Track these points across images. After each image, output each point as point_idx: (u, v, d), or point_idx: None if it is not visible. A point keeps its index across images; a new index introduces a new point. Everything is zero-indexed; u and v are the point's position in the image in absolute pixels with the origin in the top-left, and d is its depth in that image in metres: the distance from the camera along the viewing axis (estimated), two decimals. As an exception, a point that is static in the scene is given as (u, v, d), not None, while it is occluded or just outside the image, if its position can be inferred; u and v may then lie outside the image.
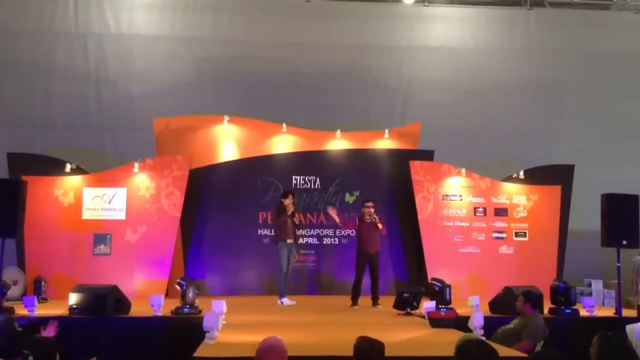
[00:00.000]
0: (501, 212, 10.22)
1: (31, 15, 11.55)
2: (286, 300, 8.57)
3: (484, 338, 3.86)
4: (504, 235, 10.16)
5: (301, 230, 10.08)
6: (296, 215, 8.78)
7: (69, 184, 9.58)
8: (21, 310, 6.83)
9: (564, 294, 7.60)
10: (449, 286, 7.19)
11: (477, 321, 5.55)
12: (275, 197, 9.78)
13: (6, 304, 7.14)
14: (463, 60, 12.10)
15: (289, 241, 8.71)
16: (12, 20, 11.42)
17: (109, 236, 9.47)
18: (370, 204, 8.78)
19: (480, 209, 10.20)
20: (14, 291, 8.38)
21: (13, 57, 11.32)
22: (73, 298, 6.81)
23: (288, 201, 8.76)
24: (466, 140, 11.43)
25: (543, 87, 12.09)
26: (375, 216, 8.69)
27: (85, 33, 11.75)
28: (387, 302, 8.29)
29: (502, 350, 5.03)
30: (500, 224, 10.19)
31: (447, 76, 11.99)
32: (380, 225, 8.65)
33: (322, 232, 10.46)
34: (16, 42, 11.35)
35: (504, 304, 7.36)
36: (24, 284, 8.78)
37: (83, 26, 11.77)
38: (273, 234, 9.32)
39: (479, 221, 10.16)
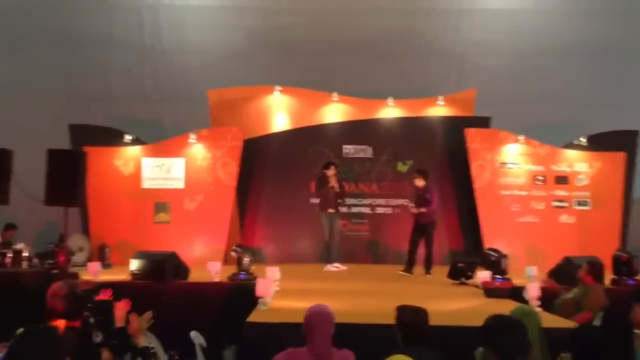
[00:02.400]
0: (562, 180, 9.90)
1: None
2: (331, 267, 8.69)
3: (539, 309, 3.76)
4: (565, 204, 9.85)
5: (353, 200, 10.13)
6: (335, 187, 8.78)
7: (129, 154, 9.88)
8: (85, 276, 7.14)
9: (626, 264, 7.31)
10: (504, 256, 7.04)
11: (532, 291, 5.43)
12: (326, 167, 9.79)
13: (71, 269, 7.46)
14: (522, 23, 11.61)
15: (329, 211, 8.85)
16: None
17: (168, 205, 9.73)
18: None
19: (540, 177, 9.90)
20: (79, 257, 8.74)
21: (72, 31, 11.59)
22: (134, 264, 7.06)
23: (330, 172, 8.83)
24: (524, 106, 11.02)
25: (606, 49, 11.46)
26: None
27: (140, 5, 11.93)
28: (441, 272, 8.22)
29: (558, 321, 4.94)
30: (560, 192, 9.88)
31: (505, 39, 11.55)
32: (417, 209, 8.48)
33: (374, 201, 10.42)
34: (75, 16, 11.62)
35: (563, 275, 7.14)
36: (89, 251, 9.17)
37: (138, -2, 11.95)
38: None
39: (538, 190, 9.88)
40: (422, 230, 8.57)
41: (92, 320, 3.71)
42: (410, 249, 8.63)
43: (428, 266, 8.51)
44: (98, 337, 3.70)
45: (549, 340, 3.61)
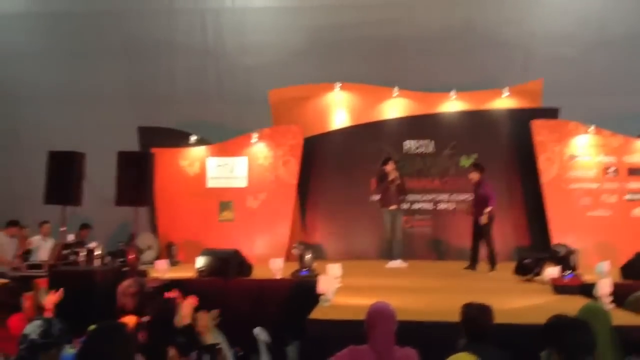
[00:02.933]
0: (636, 171, 9.44)
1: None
2: (392, 263, 8.65)
3: (610, 306, 3.60)
4: (639, 196, 9.37)
5: (415, 195, 10.01)
6: (395, 179, 8.68)
7: (194, 155, 10.15)
8: (154, 273, 7.39)
9: None
10: (573, 251, 6.80)
11: (603, 288, 5.20)
12: (387, 163, 9.71)
13: (140, 267, 7.73)
14: (590, 10, 11.10)
15: (391, 207, 8.75)
16: (135, 2, 12.06)
17: (231, 203, 9.93)
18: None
19: (612, 169, 9.47)
20: (147, 255, 9.04)
21: (137, 37, 12.01)
22: (200, 261, 7.24)
23: (389, 167, 8.76)
24: (594, 96, 10.55)
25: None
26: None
27: (202, 9, 12.20)
28: (507, 268, 8.00)
29: (631, 319, 4.71)
30: (634, 184, 9.43)
31: (573, 28, 11.07)
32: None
33: (437, 197, 10.26)
34: (139, 22, 12.02)
35: (636, 270, 6.82)
36: (157, 249, 9.46)
37: (201, 2, 12.22)
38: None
39: (609, 182, 9.47)
40: (478, 226, 8.37)
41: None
42: (472, 245, 8.48)
43: (492, 262, 8.30)
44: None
45: (622, 338, 3.45)
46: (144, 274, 7.28)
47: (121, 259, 7.75)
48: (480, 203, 8.32)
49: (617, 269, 7.18)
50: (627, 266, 7.14)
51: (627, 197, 9.40)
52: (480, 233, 8.35)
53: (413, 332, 3.73)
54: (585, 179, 9.53)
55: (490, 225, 8.30)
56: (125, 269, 7.28)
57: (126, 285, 3.88)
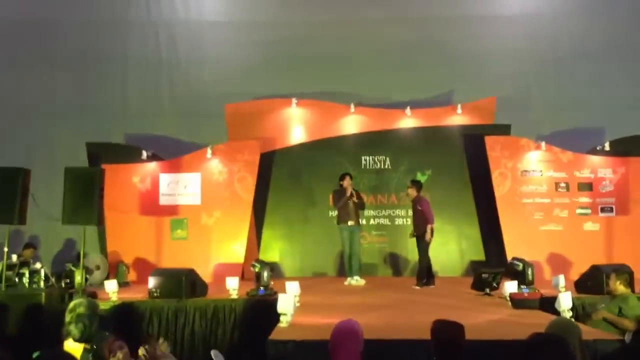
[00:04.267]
0: (585, 186, 9.67)
1: (105, 6, 11.85)
2: (352, 280, 8.57)
3: (569, 321, 3.58)
4: (589, 211, 9.61)
5: (371, 211, 10.01)
6: (353, 195, 8.65)
7: (146, 171, 9.84)
8: (103, 295, 7.06)
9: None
10: (531, 266, 6.86)
11: (564, 302, 5.23)
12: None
13: (89, 288, 7.39)
14: (540, 28, 11.42)
15: (350, 223, 8.69)
16: (86, 11, 11.72)
17: (185, 221, 9.66)
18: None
19: (563, 184, 9.68)
20: (96, 276, 8.69)
21: (88, 49, 11.63)
22: (152, 282, 6.96)
23: (346, 183, 8.72)
24: (545, 112, 10.86)
25: (628, 51, 11.22)
26: None
27: (156, 21, 11.96)
28: (464, 282, 8.04)
29: (596, 333, 4.72)
30: (584, 199, 9.65)
31: (523, 46, 11.36)
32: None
33: (393, 212, 10.26)
34: (92, 33, 11.66)
35: (591, 284, 6.94)
36: (106, 269, 9.11)
37: (155, 14, 11.98)
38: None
39: (561, 197, 9.66)
40: (419, 241, 8.42)
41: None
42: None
43: (418, 277, 8.30)
44: None
45: (592, 352, 3.44)
46: (92, 295, 6.94)
47: (67, 281, 7.39)
48: (418, 219, 8.39)
49: (571, 283, 7.30)
50: (582, 280, 7.26)
51: (578, 211, 9.61)
52: (419, 247, 8.38)
53: (378, 351, 3.62)
54: (537, 194, 9.70)
55: (427, 242, 8.32)
56: (72, 290, 6.93)
57: (117, 346, 3.54)
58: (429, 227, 8.24)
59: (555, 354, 2.58)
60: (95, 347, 3.61)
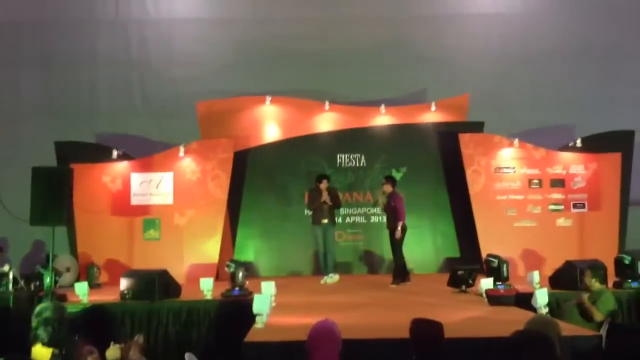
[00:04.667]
0: (558, 183, 9.77)
1: (73, 4, 11.59)
2: (327, 278, 8.54)
3: (549, 318, 3.58)
4: (561, 207, 9.70)
5: (347, 209, 9.98)
6: (326, 202, 8.60)
7: (117, 170, 9.64)
8: (73, 297, 6.89)
9: (629, 267, 7.16)
10: (506, 262, 6.90)
11: (540, 298, 5.24)
12: (320, 177, 9.60)
13: (59, 291, 7.21)
14: (512, 27, 11.50)
15: (323, 221, 8.66)
16: (54, 9, 11.46)
17: (157, 221, 9.50)
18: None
19: (535, 181, 9.76)
20: (66, 278, 8.47)
21: (57, 47, 11.39)
22: (124, 283, 6.82)
23: (323, 186, 8.69)
24: (518, 110, 10.92)
25: (599, 49, 11.33)
26: None
27: (126, 19, 11.73)
28: (439, 279, 8.05)
29: (575, 329, 4.73)
30: (557, 195, 9.74)
31: (496, 44, 11.43)
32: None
33: (368, 210, 10.23)
34: (60, 31, 11.41)
35: (565, 279, 7.00)
36: (77, 271, 8.91)
37: (124, 12, 11.75)
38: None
39: (534, 193, 9.74)
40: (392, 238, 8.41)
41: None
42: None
43: (394, 275, 8.29)
44: None
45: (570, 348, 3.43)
46: (62, 298, 6.77)
47: (36, 283, 7.18)
48: (391, 216, 8.38)
49: (546, 279, 7.36)
50: (556, 276, 7.32)
51: (551, 207, 9.71)
52: (392, 245, 8.38)
53: (356, 351, 3.56)
54: (510, 191, 9.76)
55: (400, 239, 8.31)
56: (41, 293, 6.74)
57: (86, 351, 3.41)
58: (399, 224, 8.22)
59: (540, 351, 2.54)
60: (64, 351, 3.49)
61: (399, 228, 8.22)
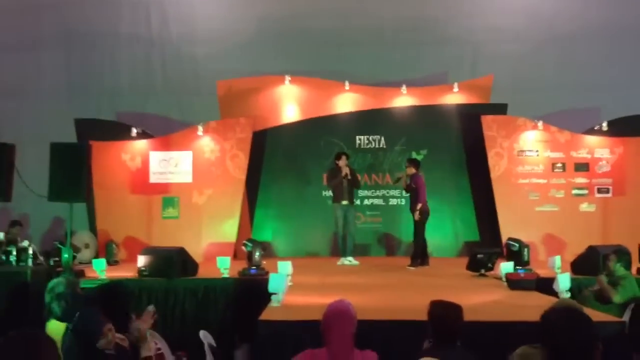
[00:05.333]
0: (582, 167, 9.55)
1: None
2: (345, 260, 8.48)
3: (574, 302, 3.47)
4: (585, 191, 9.50)
5: (365, 191, 9.88)
6: (347, 175, 8.53)
7: (136, 149, 9.66)
8: (91, 273, 6.93)
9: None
10: (527, 246, 6.78)
11: (562, 283, 5.13)
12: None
13: (77, 267, 7.26)
14: (540, 7, 11.13)
15: (343, 202, 8.58)
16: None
17: (176, 199, 9.51)
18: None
19: (559, 165, 9.57)
20: (85, 254, 8.55)
21: (79, 26, 11.35)
22: (141, 260, 6.85)
23: (342, 162, 8.60)
24: (543, 92, 10.59)
25: (626, 31, 10.88)
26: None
27: (147, -3, 11.67)
28: (458, 263, 7.95)
29: (597, 315, 4.62)
30: (580, 179, 9.53)
31: (522, 24, 11.07)
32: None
33: (387, 192, 10.14)
34: (81, 11, 11.37)
35: (588, 265, 6.85)
36: (96, 247, 8.97)
37: (145, -10, 11.69)
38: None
39: (557, 177, 9.55)
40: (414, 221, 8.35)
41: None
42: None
43: (413, 258, 8.23)
44: None
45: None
46: (80, 274, 6.81)
47: (56, 259, 7.24)
48: (413, 197, 8.33)
49: (567, 264, 7.21)
50: (578, 261, 7.18)
51: (574, 192, 9.51)
52: (415, 228, 8.32)
53: (372, 332, 3.50)
54: (533, 174, 9.58)
55: (422, 221, 8.24)
56: (59, 269, 6.79)
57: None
58: (418, 205, 8.14)
59: (579, 331, 2.35)
60: (77, 325, 3.48)
61: (418, 209, 8.12)
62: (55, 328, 3.55)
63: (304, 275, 6.79)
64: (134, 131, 9.64)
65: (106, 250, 8.70)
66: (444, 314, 3.18)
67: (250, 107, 10.20)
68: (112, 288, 4.27)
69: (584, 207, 9.47)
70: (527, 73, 10.77)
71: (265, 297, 5.14)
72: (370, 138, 10.22)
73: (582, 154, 9.60)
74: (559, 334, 2.33)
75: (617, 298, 5.39)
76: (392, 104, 10.34)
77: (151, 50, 11.63)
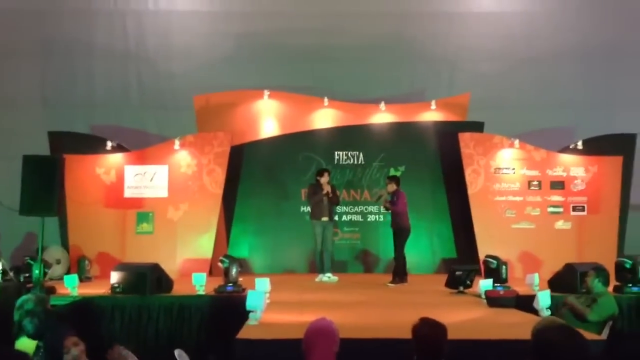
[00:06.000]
0: (557, 185, 9.65)
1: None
2: (324, 277, 8.43)
3: (559, 319, 3.44)
4: (561, 209, 9.59)
5: (344, 207, 9.86)
6: (329, 192, 8.53)
7: (111, 162, 9.49)
8: (63, 290, 6.74)
9: (630, 271, 7.04)
10: (505, 263, 6.78)
11: (543, 301, 5.12)
12: (318, 174, 9.47)
13: (48, 283, 7.05)
14: (515, 26, 11.33)
15: (323, 219, 8.56)
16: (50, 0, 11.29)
17: (151, 214, 9.35)
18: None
19: (535, 182, 9.65)
20: (56, 270, 8.32)
21: (54, 37, 11.22)
22: (114, 277, 6.68)
23: (324, 179, 8.58)
24: (519, 110, 10.76)
25: (601, 51, 11.15)
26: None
27: (124, 10, 11.57)
28: (437, 280, 7.92)
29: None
30: (556, 197, 9.62)
31: (498, 43, 11.26)
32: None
33: (366, 208, 10.11)
34: (57, 21, 11.23)
35: (565, 282, 6.88)
36: (67, 263, 8.76)
37: (122, 3, 11.59)
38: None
39: (533, 195, 9.62)
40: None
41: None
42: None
43: (393, 275, 8.22)
44: None
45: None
46: (51, 290, 6.62)
47: (26, 274, 7.03)
48: (394, 215, 8.41)
49: (544, 282, 7.24)
50: (555, 279, 7.20)
51: (550, 209, 9.59)
52: (395, 244, 8.34)
53: (354, 351, 3.42)
54: (510, 192, 9.65)
55: (401, 238, 8.26)
56: (30, 285, 6.59)
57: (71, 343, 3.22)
58: (388, 205, 8.35)
59: (573, 349, 2.31)
60: (49, 343, 3.36)
61: (388, 204, 8.36)
62: (26, 346, 3.43)
63: (282, 292, 6.69)
64: (109, 144, 9.48)
65: (78, 266, 8.49)
66: (429, 332, 3.12)
67: (228, 121, 10.12)
68: (84, 305, 4.14)
69: (560, 224, 9.56)
70: (503, 92, 10.93)
71: (242, 315, 5.04)
72: (349, 154, 10.20)
73: (557, 172, 9.71)
74: (559, 354, 2.29)
75: (592, 316, 5.39)
76: (370, 121, 10.37)
77: (127, 63, 11.53)
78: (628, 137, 9.69)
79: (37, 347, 3.44)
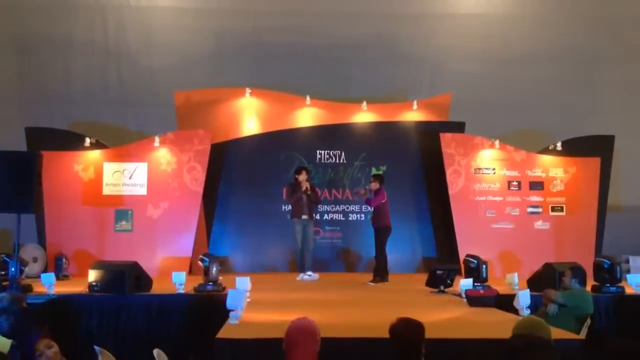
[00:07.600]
0: (537, 185, 9.76)
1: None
2: (304, 275, 8.40)
3: (540, 320, 3.46)
4: (540, 210, 9.70)
5: (325, 206, 9.85)
6: (307, 190, 8.51)
7: (89, 159, 9.36)
8: (39, 288, 6.62)
9: (608, 271, 7.13)
10: (485, 263, 6.82)
11: (523, 300, 5.15)
12: (299, 172, 9.44)
13: (25, 281, 6.93)
14: (494, 28, 11.40)
15: (303, 217, 8.55)
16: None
17: (130, 212, 9.24)
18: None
19: (515, 183, 9.74)
20: (33, 268, 8.19)
21: (33, 32, 11.04)
22: (92, 275, 6.59)
23: (302, 177, 8.57)
24: (499, 111, 10.84)
25: (580, 54, 11.30)
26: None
27: (104, 5, 11.41)
28: (417, 279, 7.95)
29: (561, 332, 4.64)
30: (535, 198, 9.74)
31: (478, 45, 11.33)
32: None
33: (347, 207, 10.12)
34: (36, 16, 11.05)
35: (544, 282, 6.93)
36: (44, 261, 8.62)
37: (102, -3, 11.44)
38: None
39: (513, 195, 9.72)
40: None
41: None
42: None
43: (374, 274, 8.22)
44: None
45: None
46: (27, 288, 6.50)
47: (1, 272, 6.90)
48: (375, 215, 8.43)
49: (523, 281, 7.30)
50: (534, 278, 7.26)
51: (529, 210, 9.69)
52: (377, 243, 8.35)
53: (335, 350, 3.41)
54: (490, 192, 9.73)
55: (382, 237, 8.27)
56: (5, 283, 6.46)
57: (43, 345, 3.15)
58: (363, 193, 8.48)
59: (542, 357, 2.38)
60: (23, 342, 3.29)
61: (362, 192, 8.51)
62: (0, 344, 3.36)
63: (263, 292, 6.65)
64: (88, 141, 9.35)
65: (55, 264, 8.36)
66: (406, 332, 3.11)
67: (209, 119, 10.04)
68: (61, 304, 4.07)
69: (539, 224, 9.66)
70: (484, 93, 10.99)
71: (222, 314, 4.99)
72: (331, 153, 10.20)
73: (537, 173, 9.82)
74: None
75: (559, 299, 5.40)
76: (352, 120, 10.37)
77: (107, 59, 11.37)
78: (606, 139, 9.82)
79: (12, 347, 3.36)
